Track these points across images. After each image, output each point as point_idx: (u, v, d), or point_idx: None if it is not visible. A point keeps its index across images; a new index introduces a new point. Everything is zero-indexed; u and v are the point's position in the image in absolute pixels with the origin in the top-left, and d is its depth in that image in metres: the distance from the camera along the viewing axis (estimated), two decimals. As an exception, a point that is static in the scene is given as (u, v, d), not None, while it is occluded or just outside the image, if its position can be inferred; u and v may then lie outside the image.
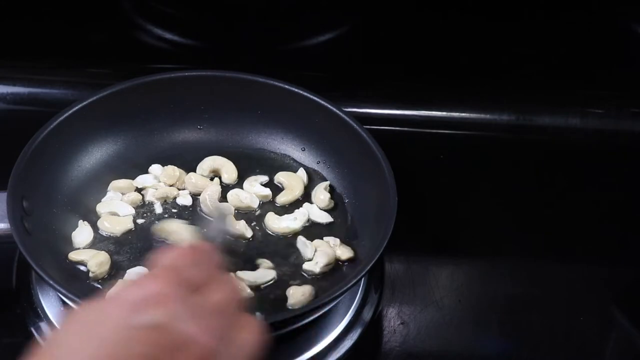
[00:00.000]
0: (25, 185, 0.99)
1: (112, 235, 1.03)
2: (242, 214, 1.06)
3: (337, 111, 1.08)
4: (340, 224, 1.06)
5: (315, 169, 1.11)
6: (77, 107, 1.06)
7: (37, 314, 0.98)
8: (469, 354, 1.00)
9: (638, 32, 1.36)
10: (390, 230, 0.95)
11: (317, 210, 1.06)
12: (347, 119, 1.07)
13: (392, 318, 1.02)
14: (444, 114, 1.27)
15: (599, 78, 1.31)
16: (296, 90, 1.10)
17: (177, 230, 1.02)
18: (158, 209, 1.06)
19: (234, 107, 1.12)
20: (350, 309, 1.00)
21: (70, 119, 1.05)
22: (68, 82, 1.26)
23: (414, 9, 1.35)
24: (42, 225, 1.00)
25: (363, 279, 1.01)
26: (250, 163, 1.11)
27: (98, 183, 1.07)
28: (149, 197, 1.07)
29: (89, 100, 1.07)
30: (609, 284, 1.08)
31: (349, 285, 0.92)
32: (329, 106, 1.08)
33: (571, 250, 1.11)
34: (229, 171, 1.10)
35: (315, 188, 1.08)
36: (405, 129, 1.26)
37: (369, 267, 0.93)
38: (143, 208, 1.06)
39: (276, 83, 1.11)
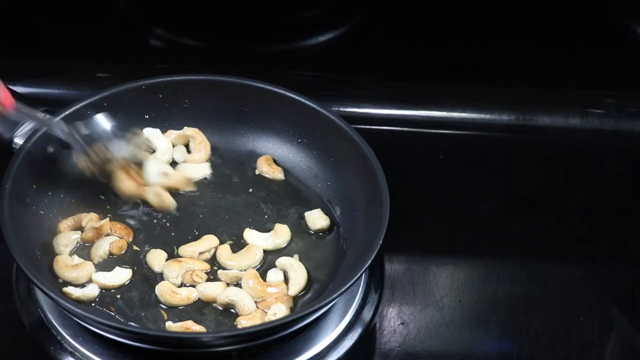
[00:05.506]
0: (24, 184, 1.00)
1: None
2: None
3: (324, 111, 1.08)
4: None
5: (305, 170, 1.11)
6: (76, 107, 1.06)
7: (36, 312, 0.98)
8: (469, 354, 1.00)
9: (638, 32, 1.36)
10: (384, 229, 0.94)
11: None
12: (334, 118, 1.07)
13: (392, 318, 1.02)
14: (444, 114, 1.27)
15: (599, 78, 1.31)
16: (282, 91, 1.09)
17: None
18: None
19: (225, 109, 1.12)
20: (350, 309, 1.00)
21: (69, 119, 1.05)
22: (68, 82, 1.26)
23: (413, 10, 1.35)
24: (41, 224, 1.01)
25: (363, 279, 1.01)
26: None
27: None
28: None
29: (88, 101, 1.07)
30: (609, 284, 1.08)
31: (342, 290, 0.92)
32: (316, 107, 1.08)
33: (571, 250, 1.11)
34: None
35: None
36: (405, 129, 1.26)
37: (365, 268, 0.93)
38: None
39: (263, 85, 1.10)
